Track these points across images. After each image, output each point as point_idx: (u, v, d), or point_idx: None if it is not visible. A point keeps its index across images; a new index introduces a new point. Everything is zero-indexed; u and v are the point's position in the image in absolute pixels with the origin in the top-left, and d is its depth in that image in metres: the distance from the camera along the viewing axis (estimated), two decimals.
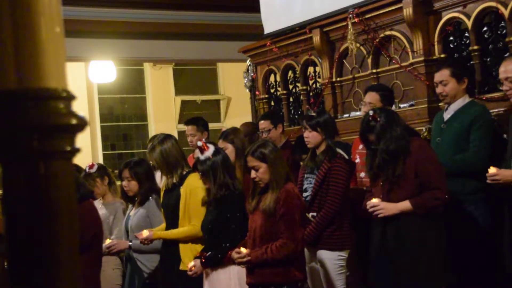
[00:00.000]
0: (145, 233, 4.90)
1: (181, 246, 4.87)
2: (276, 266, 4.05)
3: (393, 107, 5.30)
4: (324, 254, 4.63)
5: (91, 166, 5.69)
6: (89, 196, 5.07)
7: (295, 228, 4.05)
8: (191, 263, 4.52)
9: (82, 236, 4.64)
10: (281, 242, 4.02)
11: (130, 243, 5.18)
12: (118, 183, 5.77)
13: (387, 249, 4.19)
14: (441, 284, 4.17)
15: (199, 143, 4.57)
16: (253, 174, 4.14)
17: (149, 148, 5.13)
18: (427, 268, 4.11)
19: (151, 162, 5.55)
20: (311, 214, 4.63)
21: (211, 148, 4.52)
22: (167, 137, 5.12)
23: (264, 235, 4.09)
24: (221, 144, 5.25)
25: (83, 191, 4.71)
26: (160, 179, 5.79)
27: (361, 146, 5.05)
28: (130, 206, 5.40)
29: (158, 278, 5.10)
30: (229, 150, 5.18)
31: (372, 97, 5.09)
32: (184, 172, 4.97)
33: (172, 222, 4.94)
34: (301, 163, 5.07)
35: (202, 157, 4.49)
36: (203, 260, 4.44)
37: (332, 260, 4.61)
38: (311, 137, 4.77)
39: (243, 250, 4.11)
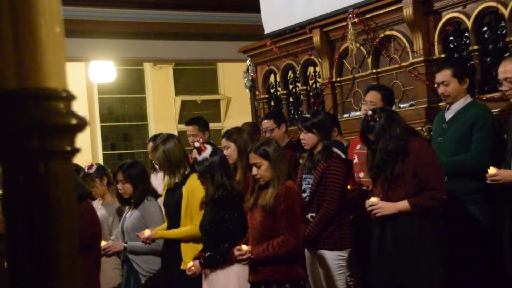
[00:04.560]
0: (147, 232, 4.90)
1: (183, 245, 4.87)
2: (279, 264, 4.05)
3: (393, 108, 5.30)
4: (324, 254, 4.62)
5: (90, 167, 5.68)
6: (87, 196, 5.08)
7: (296, 224, 4.05)
8: (190, 264, 4.52)
9: (81, 236, 4.64)
10: (283, 238, 4.02)
11: (126, 245, 5.17)
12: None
13: (386, 249, 4.19)
14: (440, 284, 4.16)
15: (197, 144, 4.56)
16: (254, 171, 4.14)
17: (152, 147, 5.13)
18: (425, 268, 4.11)
19: (153, 161, 5.53)
20: (310, 214, 4.62)
21: (208, 149, 4.52)
22: (170, 136, 5.13)
23: (264, 231, 4.09)
24: (224, 143, 5.25)
25: (81, 191, 4.72)
26: (162, 179, 5.79)
27: (358, 146, 5.05)
28: (127, 207, 5.39)
29: (159, 278, 5.10)
30: (232, 149, 5.18)
31: (373, 96, 5.09)
32: (187, 172, 4.97)
33: (174, 222, 4.94)
34: (300, 161, 5.07)
35: (199, 158, 4.49)
36: (202, 261, 4.43)
37: (332, 260, 4.61)
38: (307, 138, 4.77)
39: (244, 247, 4.11)
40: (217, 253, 4.38)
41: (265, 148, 4.14)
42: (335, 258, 4.61)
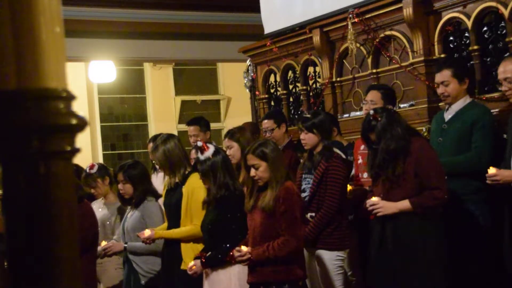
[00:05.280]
0: (147, 232, 4.90)
1: (183, 245, 4.87)
2: (278, 264, 4.05)
3: (394, 107, 5.30)
4: (323, 254, 4.62)
5: (91, 167, 5.67)
6: (85, 197, 5.10)
7: (296, 225, 4.05)
8: (191, 263, 4.52)
9: (86, 236, 4.67)
10: (283, 239, 4.01)
11: (126, 245, 5.17)
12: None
13: (386, 248, 4.19)
14: (440, 284, 4.16)
15: (199, 143, 4.57)
16: (252, 172, 4.14)
17: (152, 147, 5.13)
18: (426, 268, 4.11)
19: (153, 161, 5.51)
20: (309, 214, 4.62)
21: (211, 148, 4.52)
22: (170, 136, 5.13)
23: (264, 233, 4.09)
24: (227, 142, 5.24)
25: (80, 192, 4.73)
26: (163, 179, 5.79)
27: (363, 147, 5.05)
28: (128, 208, 5.39)
29: (159, 278, 5.10)
30: (235, 148, 5.18)
31: (373, 95, 5.09)
32: (187, 172, 4.97)
33: (174, 222, 4.94)
34: (301, 160, 5.08)
35: (202, 157, 4.49)
36: (203, 260, 4.43)
37: (331, 260, 4.61)
38: (307, 138, 4.77)
39: (244, 248, 4.11)
40: (218, 253, 4.37)
41: (263, 149, 4.14)
42: (333, 258, 4.61)
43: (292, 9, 6.90)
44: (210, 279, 4.45)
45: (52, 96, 1.30)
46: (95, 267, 5.05)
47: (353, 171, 5.19)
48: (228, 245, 4.31)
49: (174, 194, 4.98)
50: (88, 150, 11.12)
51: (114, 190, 5.71)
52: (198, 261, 4.46)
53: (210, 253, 4.43)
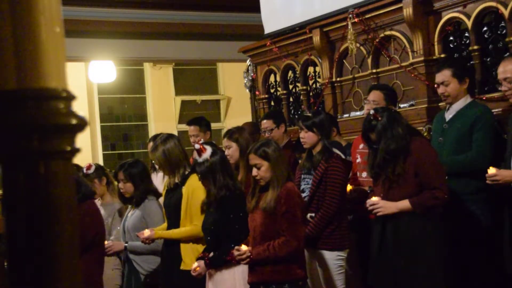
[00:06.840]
0: (147, 232, 4.90)
1: (182, 246, 4.86)
2: (278, 264, 4.05)
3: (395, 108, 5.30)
4: (324, 254, 4.63)
5: (88, 167, 5.67)
6: (91, 195, 5.07)
7: (297, 226, 4.06)
8: (195, 264, 4.49)
9: (84, 236, 4.64)
10: (284, 239, 4.02)
11: (126, 244, 5.17)
12: (117, 183, 5.74)
13: (387, 248, 4.19)
14: (440, 284, 4.17)
15: (197, 146, 4.56)
16: (254, 172, 4.15)
17: (152, 147, 5.13)
18: (426, 268, 4.11)
19: (153, 161, 5.51)
20: (309, 214, 4.62)
21: (208, 150, 4.51)
22: (169, 136, 5.12)
23: (265, 233, 4.09)
24: (225, 142, 5.24)
25: (85, 190, 4.71)
26: (162, 179, 5.78)
27: (361, 146, 5.06)
28: (129, 207, 5.39)
29: (159, 278, 5.10)
30: (233, 148, 5.18)
31: (376, 96, 5.09)
32: (187, 172, 4.97)
33: (174, 222, 4.94)
34: (300, 161, 5.08)
35: (200, 160, 4.49)
36: (207, 261, 4.42)
37: (332, 260, 4.61)
38: (307, 137, 4.77)
39: (244, 247, 4.11)
40: (223, 253, 4.36)
41: (265, 149, 4.15)
42: (334, 258, 4.61)
43: (292, 9, 6.90)
44: (214, 279, 4.44)
45: (52, 96, 1.30)
46: (99, 267, 5.02)
47: None
48: (232, 245, 4.30)
49: (174, 195, 4.98)
50: (88, 150, 11.12)
51: (111, 191, 5.72)
52: (202, 261, 4.45)
53: (213, 253, 4.42)
